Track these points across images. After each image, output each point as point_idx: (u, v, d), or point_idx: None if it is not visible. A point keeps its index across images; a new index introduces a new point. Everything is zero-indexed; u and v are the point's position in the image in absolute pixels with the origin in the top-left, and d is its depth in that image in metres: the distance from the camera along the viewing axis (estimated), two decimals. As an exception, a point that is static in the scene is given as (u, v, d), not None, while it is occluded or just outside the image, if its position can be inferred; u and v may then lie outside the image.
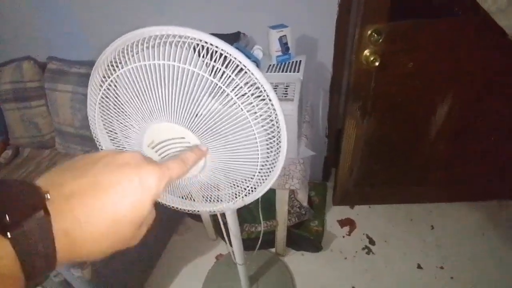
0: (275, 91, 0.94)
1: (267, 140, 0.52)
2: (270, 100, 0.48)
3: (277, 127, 0.51)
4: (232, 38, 1.13)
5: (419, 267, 1.21)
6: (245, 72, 0.45)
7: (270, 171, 0.58)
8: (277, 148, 0.54)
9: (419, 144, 1.30)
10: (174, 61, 0.45)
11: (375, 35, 1.01)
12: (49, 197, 0.22)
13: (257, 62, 0.98)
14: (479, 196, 1.44)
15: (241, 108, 0.47)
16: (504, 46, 1.00)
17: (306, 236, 1.29)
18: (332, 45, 1.18)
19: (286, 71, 1.00)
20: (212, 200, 0.68)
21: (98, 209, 0.24)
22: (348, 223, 1.42)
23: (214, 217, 1.37)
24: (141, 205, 0.26)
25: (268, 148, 0.54)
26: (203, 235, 1.44)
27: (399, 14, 1.02)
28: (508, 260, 1.18)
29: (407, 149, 1.32)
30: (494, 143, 1.26)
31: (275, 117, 0.50)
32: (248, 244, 1.18)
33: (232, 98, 0.46)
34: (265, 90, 0.47)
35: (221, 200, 0.68)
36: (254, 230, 1.34)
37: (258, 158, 0.53)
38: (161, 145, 0.52)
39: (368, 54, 1.04)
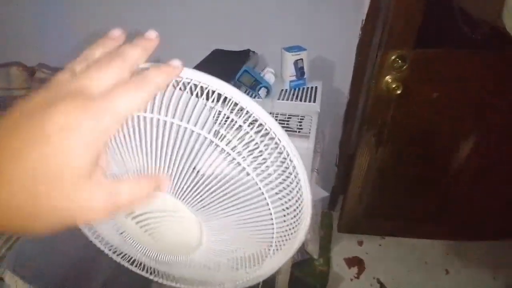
0: (288, 123, 0.82)
1: (283, 210, 0.40)
2: (291, 160, 0.36)
3: (298, 192, 0.39)
4: (241, 56, 1.02)
5: (435, 320, 1.08)
6: (267, 133, 0.33)
7: (283, 245, 0.45)
8: (297, 218, 0.42)
9: (438, 180, 1.20)
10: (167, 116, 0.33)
11: (399, 61, 0.91)
12: None
13: (268, 88, 0.86)
14: (494, 235, 1.32)
15: (253, 177, 0.35)
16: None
17: (310, 283, 1.15)
18: (351, 69, 1.07)
19: (300, 99, 0.89)
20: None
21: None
22: (356, 262, 1.29)
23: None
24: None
25: (284, 218, 0.41)
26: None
27: (428, 41, 0.93)
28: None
29: (423, 183, 1.21)
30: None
31: (297, 183, 0.38)
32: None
33: (244, 158, 0.34)
34: (286, 150, 0.35)
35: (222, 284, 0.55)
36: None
37: (274, 235, 0.41)
38: (145, 217, 0.39)
39: (389, 80, 0.95)
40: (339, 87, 1.12)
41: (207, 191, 0.34)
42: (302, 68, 0.90)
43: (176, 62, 0.23)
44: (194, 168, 0.34)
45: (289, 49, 0.89)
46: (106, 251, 0.51)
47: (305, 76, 0.93)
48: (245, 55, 1.03)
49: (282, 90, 0.93)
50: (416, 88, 0.96)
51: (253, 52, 1.05)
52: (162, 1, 1.08)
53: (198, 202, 0.35)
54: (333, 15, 0.97)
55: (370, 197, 1.28)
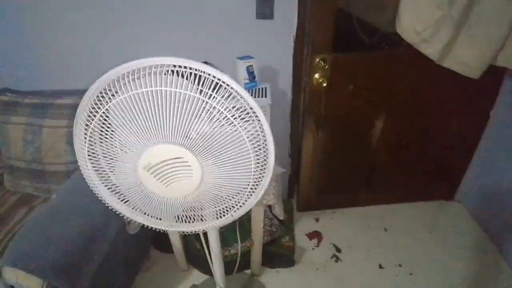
0: (247, 114, 1.02)
1: (256, 153, 0.58)
2: (257, 117, 0.55)
3: (264, 141, 0.58)
4: (200, 67, 1.20)
5: (380, 267, 1.34)
6: (234, 97, 0.52)
7: (258, 185, 0.63)
8: (265, 161, 0.60)
9: (364, 154, 1.51)
10: (166, 87, 0.50)
11: (322, 62, 1.22)
12: None
13: (227, 89, 1.06)
14: (419, 197, 1.68)
15: (237, 126, 0.53)
16: (422, 73, 1.27)
17: (280, 252, 1.33)
18: (290, 73, 1.33)
19: (254, 96, 1.10)
20: (195, 220, 0.70)
21: None
22: (315, 235, 1.51)
23: (186, 244, 1.33)
24: None
25: (257, 161, 0.60)
26: (172, 267, 1.37)
27: (344, 46, 1.24)
28: (455, 253, 1.38)
29: (355, 157, 1.52)
30: (424, 153, 1.52)
31: (262, 132, 0.57)
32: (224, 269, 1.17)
33: (225, 116, 0.52)
34: (251, 109, 0.54)
35: (204, 219, 0.70)
36: (227, 254, 1.33)
37: (252, 171, 0.59)
38: (158, 167, 0.54)
39: (317, 77, 1.24)
40: (284, 88, 1.37)
41: (204, 139, 0.52)
42: (253, 72, 1.12)
43: None
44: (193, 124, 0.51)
45: (241, 58, 1.11)
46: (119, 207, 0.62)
47: (256, 79, 1.15)
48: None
49: (239, 91, 1.13)
50: (337, 82, 1.27)
51: (210, 63, 1.24)
52: (121, 18, 1.21)
53: (199, 148, 0.52)
54: (273, 32, 1.22)
55: (318, 177, 1.55)
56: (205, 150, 0.52)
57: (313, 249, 1.45)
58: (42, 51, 1.28)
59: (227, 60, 1.19)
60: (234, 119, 0.50)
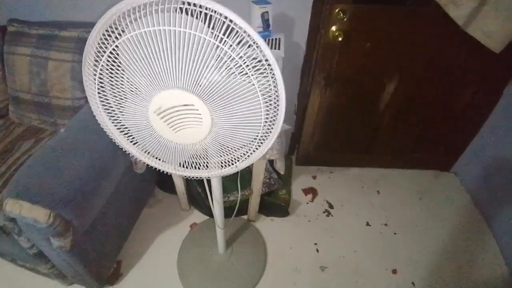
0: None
1: (267, 108, 0.58)
2: (272, 70, 0.54)
3: (276, 96, 0.57)
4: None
5: (367, 224, 1.44)
6: (250, 45, 0.49)
7: (265, 139, 0.64)
8: (274, 117, 0.60)
9: (369, 116, 1.50)
10: (181, 27, 0.47)
11: (341, 13, 1.13)
12: None
13: (240, 36, 1.00)
14: (416, 165, 1.72)
15: (251, 77, 0.52)
16: (443, 39, 1.20)
17: (277, 203, 1.42)
18: (307, 25, 1.24)
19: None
20: (200, 167, 0.72)
21: None
22: (311, 191, 1.59)
23: (188, 187, 1.41)
24: None
25: (267, 116, 0.60)
26: (175, 206, 1.47)
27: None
28: (440, 220, 1.46)
29: (359, 119, 1.52)
30: (431, 122, 1.50)
31: (275, 87, 0.56)
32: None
33: (238, 64, 0.50)
34: (267, 61, 0.52)
35: (209, 167, 0.73)
36: (227, 200, 1.42)
37: (261, 125, 0.59)
38: (168, 111, 0.54)
39: (334, 29, 1.17)
40: (298, 41, 1.30)
41: (215, 88, 0.51)
42: (267, 20, 1.05)
43: None
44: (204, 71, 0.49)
45: (257, 2, 1.03)
46: (127, 147, 0.64)
47: (270, 28, 1.08)
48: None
49: (251, 40, 1.08)
50: (354, 37, 1.20)
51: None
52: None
53: (210, 97, 0.51)
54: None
55: (320, 134, 1.57)
56: (215, 100, 0.52)
57: (307, 203, 1.53)
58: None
59: (242, 4, 1.11)
60: (248, 69, 0.49)
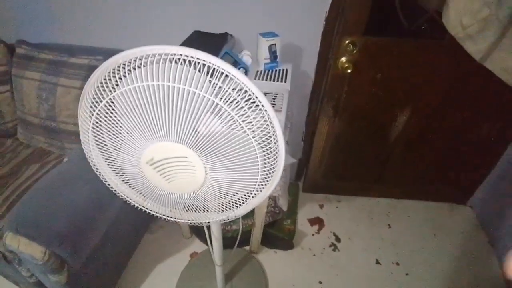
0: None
1: (265, 157, 0.55)
2: (271, 122, 0.50)
3: (276, 147, 0.54)
4: (220, 39, 1.12)
5: (377, 262, 1.35)
6: (249, 95, 0.46)
7: (264, 187, 0.61)
8: (274, 164, 0.57)
9: (380, 146, 1.45)
10: (174, 82, 0.45)
11: (351, 45, 1.11)
12: None
13: (246, 69, 0.99)
14: (429, 197, 1.63)
15: (245, 130, 0.49)
16: (464, 71, 1.15)
17: (280, 236, 1.36)
18: (316, 54, 1.23)
19: (273, 79, 1.03)
20: (198, 211, 0.69)
21: None
22: (317, 222, 1.52)
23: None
24: None
25: (265, 164, 0.56)
26: (176, 233, 1.43)
27: (376, 31, 1.12)
28: (456, 261, 1.36)
29: (370, 148, 1.46)
30: (446, 154, 1.43)
31: (274, 138, 0.52)
32: (224, 242, 1.21)
33: (233, 118, 0.47)
34: (267, 113, 0.49)
35: (207, 211, 0.69)
36: (229, 229, 1.37)
37: (258, 176, 0.56)
38: (161, 163, 0.52)
39: (343, 61, 1.15)
40: (306, 69, 1.28)
41: (210, 142, 0.48)
42: (275, 52, 1.04)
43: None
44: (197, 128, 0.47)
45: (264, 34, 1.02)
46: (125, 194, 0.62)
47: (277, 60, 1.07)
48: (223, 37, 1.13)
49: (258, 71, 1.06)
50: (364, 69, 1.17)
51: (231, 35, 1.15)
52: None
53: (204, 150, 0.49)
54: (302, 6, 1.10)
55: (328, 161, 1.52)
56: (210, 153, 0.49)
57: (313, 235, 1.46)
58: (60, 2, 1.22)
59: (251, 34, 1.10)
60: (247, 126, 0.46)
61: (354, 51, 1.12)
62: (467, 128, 1.33)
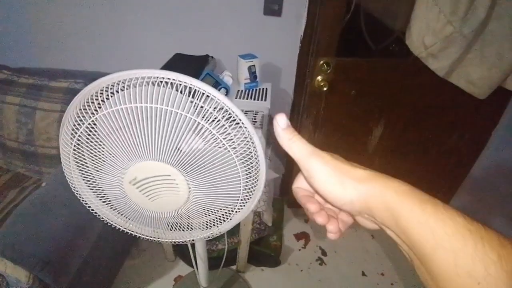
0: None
1: (247, 174, 0.57)
2: (251, 139, 0.53)
3: (257, 163, 0.56)
4: (201, 61, 1.16)
5: (363, 274, 1.37)
6: (229, 113, 0.49)
7: (246, 202, 0.62)
8: (256, 179, 0.59)
9: (359, 159, 1.48)
10: (157, 104, 0.47)
11: (325, 65, 1.18)
12: None
13: (227, 89, 1.03)
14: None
15: (226, 147, 0.51)
16: (426, 85, 1.24)
17: (266, 253, 1.35)
18: (294, 73, 1.29)
19: (253, 98, 1.07)
20: (183, 229, 0.69)
21: None
22: (303, 236, 1.53)
23: (174, 236, 1.34)
24: None
25: (247, 179, 0.58)
26: (159, 256, 1.39)
27: (350, 50, 1.21)
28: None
29: (349, 161, 1.50)
30: (421, 165, 1.51)
31: (255, 154, 0.55)
32: (210, 263, 1.19)
33: (215, 136, 0.50)
34: (247, 130, 0.52)
35: (191, 229, 0.70)
36: (215, 249, 1.35)
37: (240, 190, 0.58)
38: (144, 182, 0.53)
39: (319, 80, 1.21)
40: (285, 88, 1.34)
41: (193, 159, 0.50)
42: (254, 72, 1.09)
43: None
44: (180, 146, 0.49)
45: (244, 56, 1.07)
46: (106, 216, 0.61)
47: (257, 80, 1.12)
48: (204, 59, 1.17)
49: (238, 90, 1.10)
50: (338, 86, 1.24)
51: (212, 57, 1.20)
52: (126, 6, 1.17)
53: (187, 167, 0.50)
54: (279, 29, 1.18)
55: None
56: (193, 170, 0.51)
57: (299, 250, 1.47)
58: (40, 27, 1.23)
59: (231, 55, 1.15)
60: (228, 143, 0.48)
61: (329, 71, 1.19)
62: (437, 137, 1.42)
